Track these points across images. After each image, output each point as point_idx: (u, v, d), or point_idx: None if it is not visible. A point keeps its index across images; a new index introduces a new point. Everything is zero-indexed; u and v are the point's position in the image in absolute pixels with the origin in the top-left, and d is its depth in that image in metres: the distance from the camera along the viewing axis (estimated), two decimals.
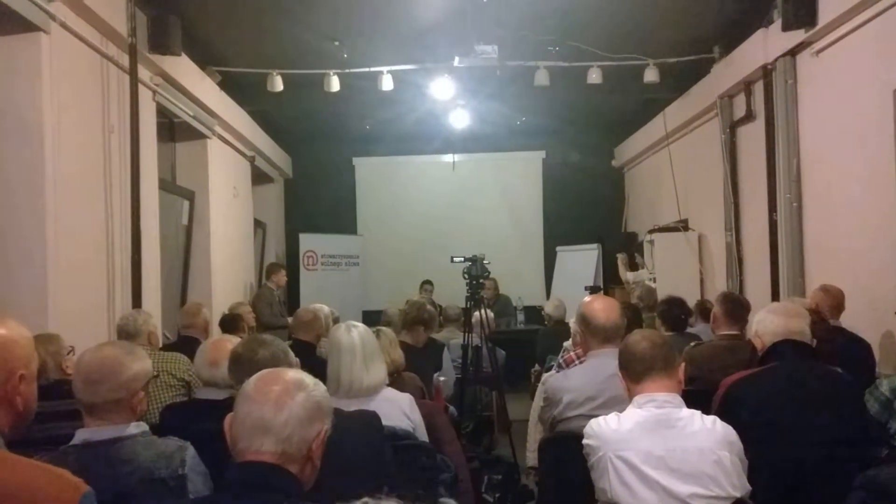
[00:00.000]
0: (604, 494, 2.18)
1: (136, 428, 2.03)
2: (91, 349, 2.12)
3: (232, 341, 2.78)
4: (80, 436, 2.00)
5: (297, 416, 1.53)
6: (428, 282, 9.41)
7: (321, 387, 1.63)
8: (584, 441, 2.27)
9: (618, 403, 2.51)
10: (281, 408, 1.52)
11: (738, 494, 2.09)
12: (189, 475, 1.96)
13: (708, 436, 2.13)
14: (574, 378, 2.91)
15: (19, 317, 1.69)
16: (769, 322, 2.81)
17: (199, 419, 2.36)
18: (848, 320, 4.28)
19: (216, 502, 1.58)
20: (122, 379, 2.02)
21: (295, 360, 2.34)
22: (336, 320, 4.72)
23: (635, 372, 2.27)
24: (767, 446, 2.31)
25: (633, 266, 8.49)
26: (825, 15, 4.92)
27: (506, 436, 4.99)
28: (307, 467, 1.56)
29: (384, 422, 2.44)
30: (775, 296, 5.64)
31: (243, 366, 2.15)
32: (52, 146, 4.07)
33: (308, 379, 1.62)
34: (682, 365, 2.33)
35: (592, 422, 2.28)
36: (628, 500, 2.11)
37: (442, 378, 4.58)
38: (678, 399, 2.23)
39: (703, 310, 5.32)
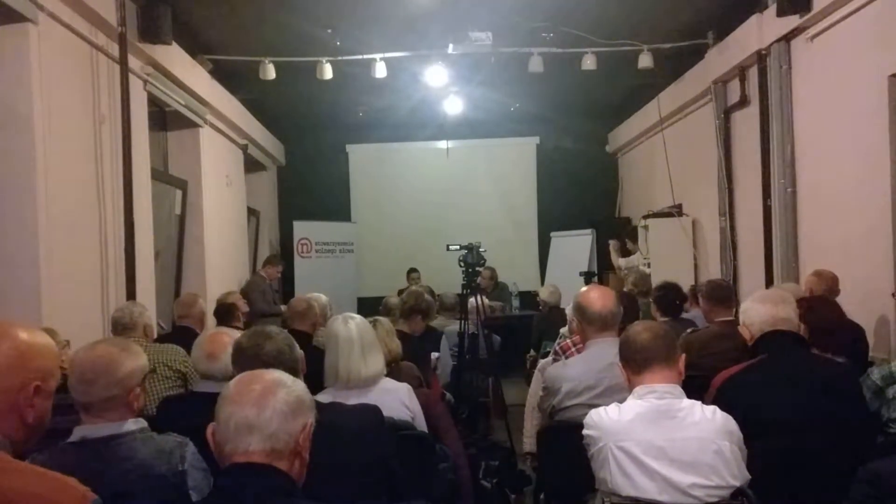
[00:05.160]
0: (604, 484, 2.19)
1: (135, 424, 2.01)
2: (84, 347, 2.10)
3: (229, 334, 2.75)
4: (78, 433, 1.98)
5: (281, 412, 1.54)
6: (414, 269, 9.39)
7: (300, 383, 1.64)
8: (585, 431, 2.27)
9: (617, 392, 2.52)
10: (264, 406, 1.53)
11: (737, 484, 2.10)
12: (189, 471, 1.95)
13: (708, 426, 2.13)
14: (573, 367, 2.92)
15: (13, 311, 1.67)
16: (756, 312, 2.79)
17: (197, 413, 2.34)
18: (842, 305, 4.29)
19: None
20: (116, 377, 2.00)
21: (300, 352, 2.31)
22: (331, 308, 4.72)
23: (636, 363, 2.27)
24: (764, 441, 2.30)
25: (626, 252, 8.50)
26: (820, 0, 4.90)
27: (502, 421, 5.01)
28: (296, 462, 1.56)
29: (384, 413, 2.44)
30: (769, 281, 5.66)
31: (248, 360, 2.12)
32: (43, 137, 4.03)
33: (286, 377, 1.63)
34: (683, 356, 2.33)
35: (593, 412, 2.28)
36: (629, 491, 2.12)
37: (436, 355, 4.59)
38: (678, 390, 2.23)
39: (697, 295, 5.32)
